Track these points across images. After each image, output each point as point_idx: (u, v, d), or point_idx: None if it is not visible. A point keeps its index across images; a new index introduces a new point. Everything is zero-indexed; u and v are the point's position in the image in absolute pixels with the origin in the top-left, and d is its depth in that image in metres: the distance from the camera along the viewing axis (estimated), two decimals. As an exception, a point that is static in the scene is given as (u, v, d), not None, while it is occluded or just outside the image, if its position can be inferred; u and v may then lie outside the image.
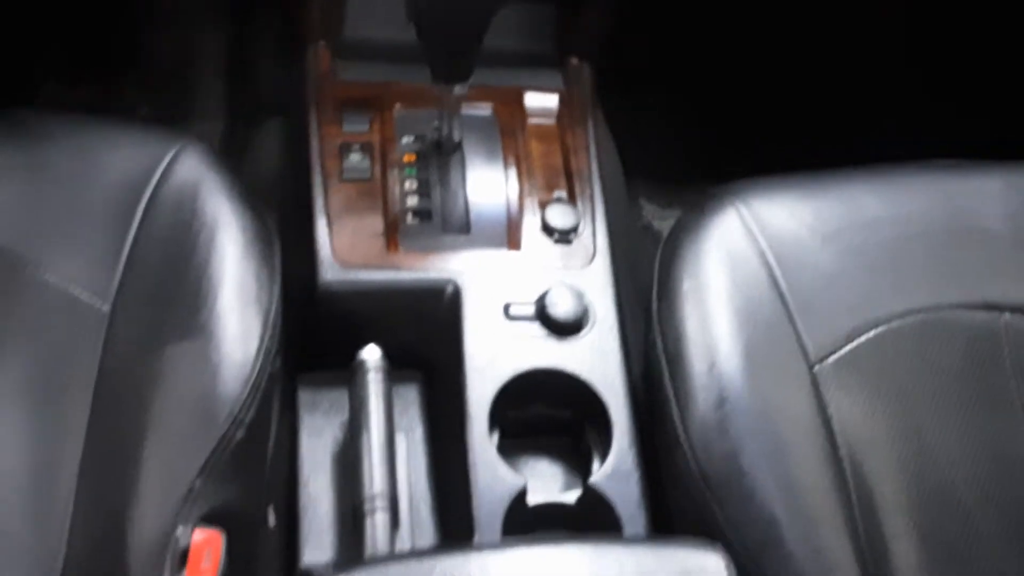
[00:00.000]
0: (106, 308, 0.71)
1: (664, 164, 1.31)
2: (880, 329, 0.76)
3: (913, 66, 1.38)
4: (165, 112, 1.27)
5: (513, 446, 0.83)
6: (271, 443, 0.74)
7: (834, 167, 0.88)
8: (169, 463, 0.65)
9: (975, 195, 0.84)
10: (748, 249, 0.79)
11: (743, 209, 0.81)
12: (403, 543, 0.78)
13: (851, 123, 1.33)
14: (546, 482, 0.83)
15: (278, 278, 0.75)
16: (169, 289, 0.72)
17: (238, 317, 0.71)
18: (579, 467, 0.83)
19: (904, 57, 1.38)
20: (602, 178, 0.97)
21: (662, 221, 1.29)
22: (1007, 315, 0.78)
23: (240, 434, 0.67)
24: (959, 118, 1.32)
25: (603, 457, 0.80)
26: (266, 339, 0.71)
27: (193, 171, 0.78)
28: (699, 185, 0.91)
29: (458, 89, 0.86)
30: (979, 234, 0.81)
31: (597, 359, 0.84)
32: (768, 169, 0.86)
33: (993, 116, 1.32)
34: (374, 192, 0.90)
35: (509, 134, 0.97)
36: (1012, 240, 0.81)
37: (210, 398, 0.67)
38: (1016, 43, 1.28)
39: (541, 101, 1.01)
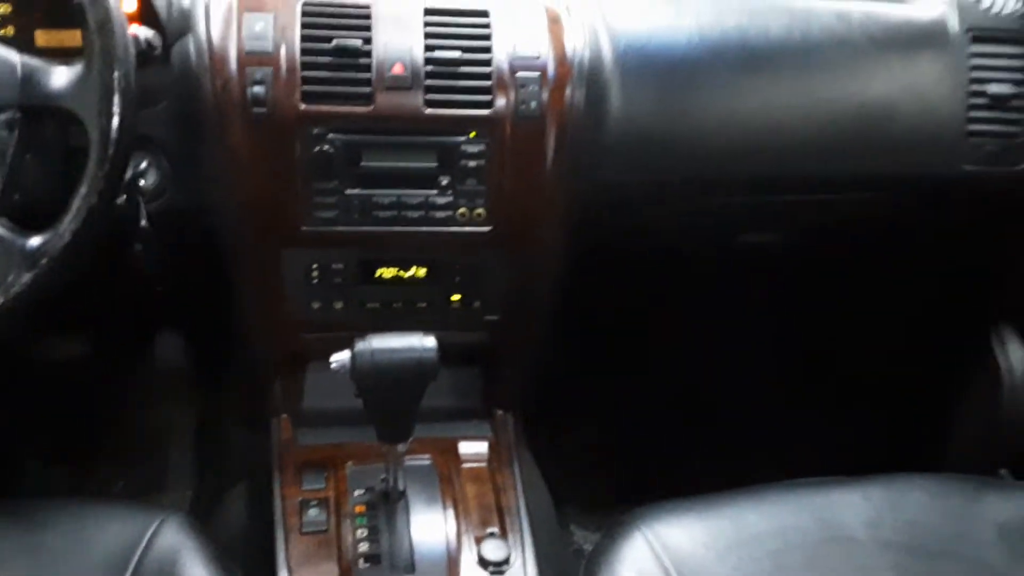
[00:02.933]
0: None
1: (590, 493, 1.48)
2: (774, 633, 0.89)
3: (786, 401, 1.62)
4: (139, 486, 1.42)
5: None
6: None
7: (726, 485, 1.04)
8: None
9: (838, 507, 1.00)
10: (655, 569, 0.93)
11: (648, 534, 0.96)
12: None
13: (735, 444, 1.53)
14: None
15: None
16: None
17: None
18: None
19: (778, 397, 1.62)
20: (530, 512, 1.12)
21: (592, 545, 1.42)
22: (880, 611, 0.91)
23: None
24: (824, 438, 1.53)
25: None
26: None
27: (173, 540, 0.91)
28: (621, 507, 1.05)
29: (401, 446, 1.03)
30: (846, 541, 0.97)
31: None
32: (677, 485, 1.02)
33: (854, 434, 1.54)
34: (330, 542, 1.03)
35: (446, 479, 1.12)
36: (873, 544, 0.97)
37: None
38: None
39: (473, 448, 1.18)
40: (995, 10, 1.21)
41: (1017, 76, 1.20)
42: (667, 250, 1.41)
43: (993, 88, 1.19)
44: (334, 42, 1.03)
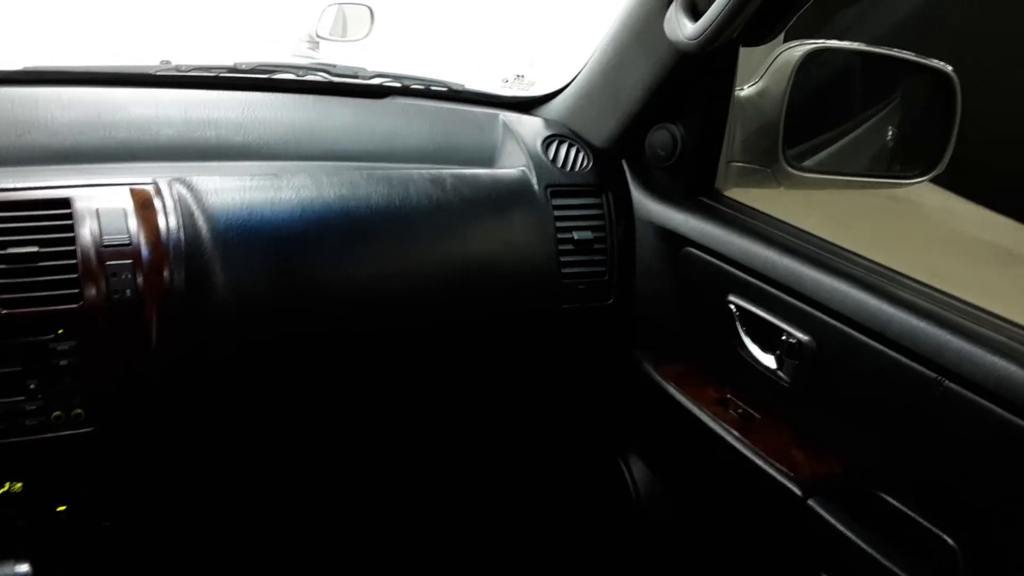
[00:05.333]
0: None
1: None
2: None
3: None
4: None
5: None
6: None
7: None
8: None
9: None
10: None
11: None
12: None
13: None
14: None
15: None
16: None
17: None
18: None
19: None
20: None
21: None
22: None
23: None
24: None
25: None
26: None
27: None
28: None
29: None
30: None
31: None
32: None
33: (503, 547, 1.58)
34: None
35: None
36: None
37: None
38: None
39: None
40: (568, 167, 1.37)
41: (595, 223, 1.35)
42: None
43: (577, 235, 1.33)
44: None
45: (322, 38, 2.50)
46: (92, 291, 1.01)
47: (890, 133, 1.36)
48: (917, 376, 0.94)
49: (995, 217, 1.93)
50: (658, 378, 1.32)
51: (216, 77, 1.33)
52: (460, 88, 1.51)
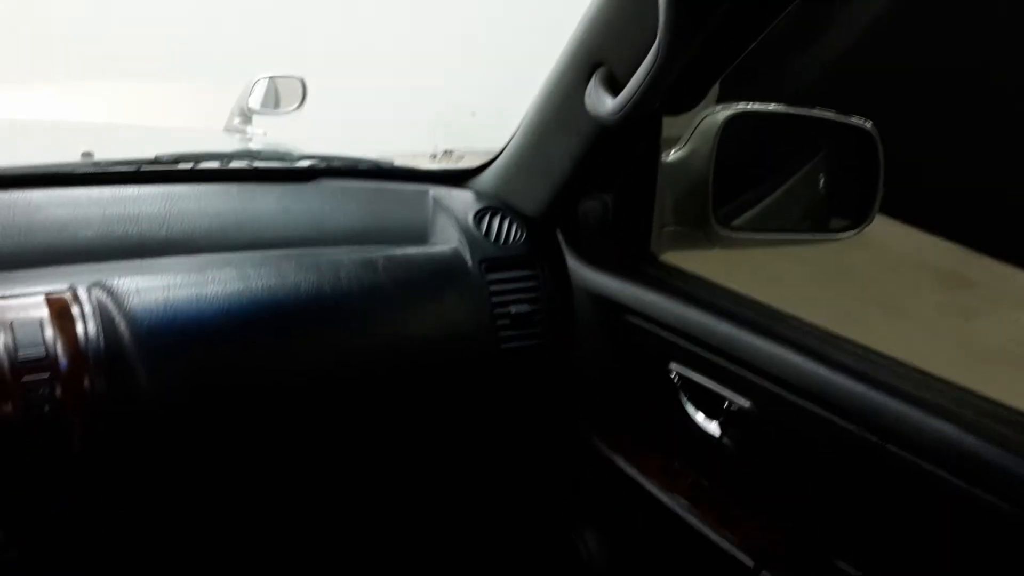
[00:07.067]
0: None
1: None
2: None
3: None
4: None
5: None
6: None
7: None
8: None
9: None
10: None
11: None
12: None
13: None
14: None
15: None
16: None
17: None
18: None
19: None
20: None
21: None
22: None
23: None
24: None
25: None
26: None
27: None
28: None
29: None
30: None
31: None
32: None
33: None
34: None
35: None
36: None
37: None
38: None
39: None
40: (502, 240, 1.36)
41: (531, 295, 1.34)
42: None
43: (514, 309, 1.32)
44: None
45: (254, 111, 2.48)
46: (8, 408, 0.96)
47: (818, 190, 1.38)
48: (859, 440, 0.94)
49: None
50: (605, 449, 1.30)
51: (138, 171, 1.30)
52: (388, 165, 1.49)
